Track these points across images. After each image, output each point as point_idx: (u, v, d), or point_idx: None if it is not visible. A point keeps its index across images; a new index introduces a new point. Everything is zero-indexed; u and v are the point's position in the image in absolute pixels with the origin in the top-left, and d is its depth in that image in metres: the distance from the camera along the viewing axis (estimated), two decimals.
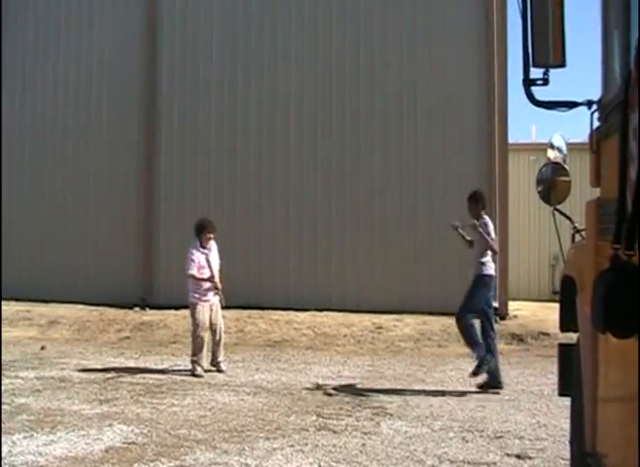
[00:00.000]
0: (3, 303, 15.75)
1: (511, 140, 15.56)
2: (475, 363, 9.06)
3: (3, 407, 7.99)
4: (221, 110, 16.15)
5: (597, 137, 3.75)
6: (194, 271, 10.24)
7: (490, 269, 9.37)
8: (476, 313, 9.32)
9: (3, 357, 11.26)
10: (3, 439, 6.67)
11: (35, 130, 17.43)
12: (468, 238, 9.52)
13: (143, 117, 16.62)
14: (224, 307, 10.72)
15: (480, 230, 9.15)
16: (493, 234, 9.40)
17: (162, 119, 16.50)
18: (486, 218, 9.38)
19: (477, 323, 9.36)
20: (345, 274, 15.01)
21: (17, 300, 16.16)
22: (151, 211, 16.39)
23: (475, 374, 9.04)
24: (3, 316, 14.80)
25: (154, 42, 16.65)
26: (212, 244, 10.48)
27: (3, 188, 17.24)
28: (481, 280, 9.29)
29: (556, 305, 4.76)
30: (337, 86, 15.59)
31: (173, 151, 16.43)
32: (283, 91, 15.81)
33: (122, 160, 16.67)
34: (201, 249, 10.37)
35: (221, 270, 10.51)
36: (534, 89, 3.95)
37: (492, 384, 9.17)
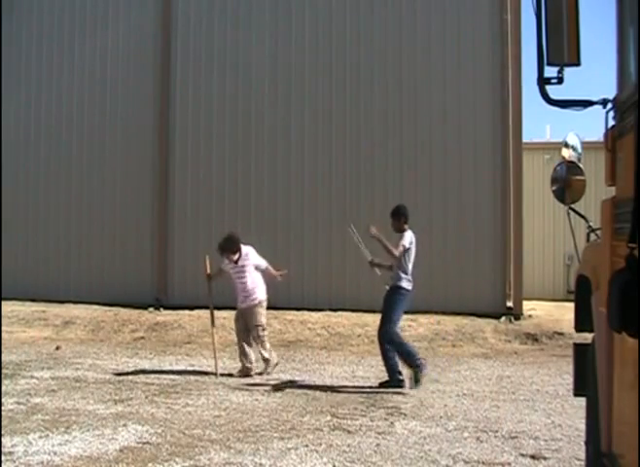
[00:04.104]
0: (19, 303, 15.89)
1: (525, 139, 15.51)
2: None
3: (19, 407, 8.05)
4: (235, 110, 16.17)
5: (612, 136, 3.74)
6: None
7: (407, 282, 9.35)
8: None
9: (19, 357, 11.36)
10: (19, 438, 6.71)
11: (50, 130, 17.51)
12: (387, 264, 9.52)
13: (157, 117, 16.66)
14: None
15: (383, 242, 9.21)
16: (402, 247, 9.23)
17: (176, 119, 16.54)
18: (405, 234, 9.33)
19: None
20: (359, 274, 14.99)
21: (32, 300, 16.27)
22: (165, 212, 16.43)
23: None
24: (19, 317, 14.92)
25: (168, 42, 16.69)
26: (245, 251, 10.42)
27: (18, 189, 17.39)
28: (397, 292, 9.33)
29: (571, 305, 4.74)
30: (350, 84, 15.57)
31: (187, 151, 16.46)
32: (297, 91, 15.81)
33: (136, 160, 16.72)
34: (227, 262, 10.43)
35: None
36: (548, 87, 3.93)
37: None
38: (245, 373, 10.14)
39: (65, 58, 17.51)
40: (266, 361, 10.30)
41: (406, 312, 13.09)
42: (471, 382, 9.84)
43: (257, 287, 10.39)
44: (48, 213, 17.37)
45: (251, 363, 10.22)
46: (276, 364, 10.39)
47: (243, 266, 10.37)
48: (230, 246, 10.40)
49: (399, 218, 9.39)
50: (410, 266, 9.31)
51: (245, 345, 10.27)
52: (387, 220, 9.60)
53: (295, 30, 15.93)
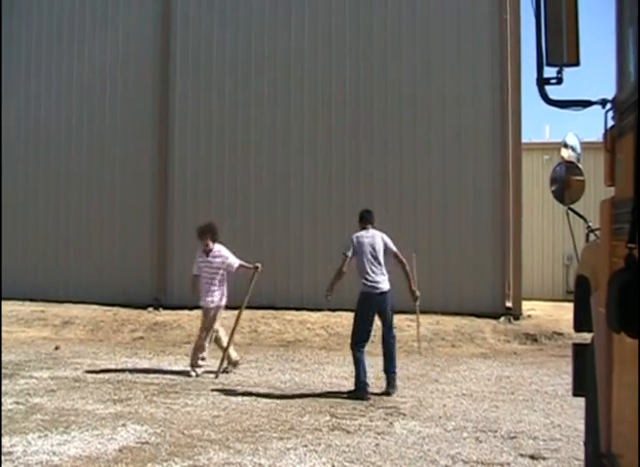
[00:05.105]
0: (18, 303, 15.89)
1: (524, 139, 15.52)
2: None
3: (18, 407, 8.05)
4: (235, 109, 16.17)
5: (612, 136, 3.74)
6: (193, 272, 10.46)
7: (362, 285, 9.14)
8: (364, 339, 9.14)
9: (18, 357, 11.36)
10: (18, 438, 6.71)
11: (49, 131, 17.51)
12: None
13: (156, 117, 16.66)
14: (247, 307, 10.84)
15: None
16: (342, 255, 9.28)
17: (176, 119, 16.54)
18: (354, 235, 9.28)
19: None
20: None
21: (31, 300, 16.27)
22: (164, 212, 16.43)
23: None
24: (19, 317, 14.92)
25: (167, 42, 16.70)
26: (215, 248, 10.39)
27: (17, 189, 17.40)
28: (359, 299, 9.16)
29: (571, 305, 4.74)
30: (350, 86, 15.57)
31: (187, 152, 16.47)
32: (296, 91, 15.81)
33: (135, 160, 16.73)
34: (200, 253, 10.40)
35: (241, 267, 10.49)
36: (548, 88, 3.93)
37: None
38: (225, 369, 10.25)
39: (65, 58, 17.51)
40: (202, 360, 10.27)
41: (403, 313, 13.15)
42: (470, 382, 9.84)
43: (223, 290, 10.39)
44: (47, 213, 17.37)
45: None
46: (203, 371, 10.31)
47: (213, 263, 10.29)
48: (210, 231, 10.40)
49: (359, 222, 9.44)
50: (367, 265, 9.08)
51: (219, 341, 10.33)
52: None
53: (294, 30, 15.93)
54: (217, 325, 10.41)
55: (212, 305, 10.29)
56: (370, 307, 9.10)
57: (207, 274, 10.32)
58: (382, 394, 8.97)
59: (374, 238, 9.20)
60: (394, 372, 9.11)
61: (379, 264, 9.14)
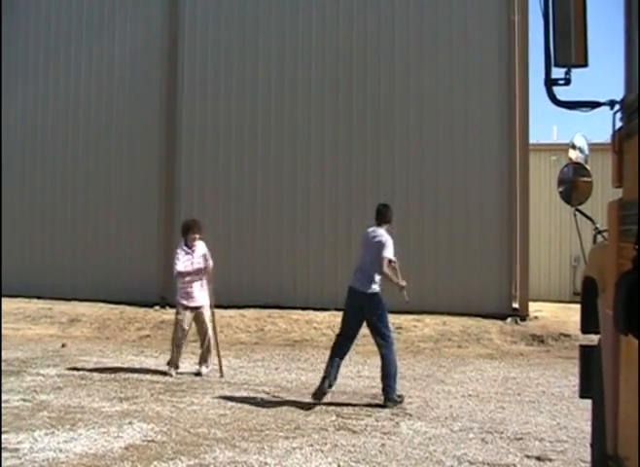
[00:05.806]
0: (25, 300, 15.94)
1: (532, 140, 15.46)
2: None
3: (25, 404, 8.07)
4: (242, 110, 16.17)
5: (620, 138, 3.73)
6: (179, 269, 10.19)
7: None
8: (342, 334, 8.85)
9: (25, 354, 11.39)
10: (25, 435, 6.73)
11: (57, 129, 17.55)
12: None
13: (164, 117, 16.67)
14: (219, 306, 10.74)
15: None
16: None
17: (183, 119, 16.54)
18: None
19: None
20: None
21: (38, 297, 16.31)
22: (171, 211, 16.43)
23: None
24: (26, 314, 14.97)
25: (174, 41, 16.71)
26: (198, 245, 10.28)
27: (26, 187, 17.46)
28: None
29: (577, 307, 4.74)
30: (357, 87, 15.55)
31: (194, 150, 16.48)
32: (304, 93, 15.80)
33: (142, 159, 16.74)
34: (186, 249, 10.27)
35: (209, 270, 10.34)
36: (556, 89, 3.93)
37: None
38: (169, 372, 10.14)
39: (72, 57, 17.54)
40: (199, 368, 10.23)
41: (410, 313, 13.16)
42: (476, 383, 9.82)
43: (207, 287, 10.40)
44: (54, 211, 17.41)
45: None
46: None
47: (201, 260, 10.19)
48: (197, 226, 10.33)
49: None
50: (359, 261, 8.87)
51: (180, 347, 10.31)
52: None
53: (302, 27, 15.90)
54: (210, 321, 10.39)
55: (208, 303, 10.31)
56: (348, 303, 8.84)
57: (195, 272, 10.21)
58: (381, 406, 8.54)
59: (373, 236, 8.78)
60: (389, 387, 8.45)
61: (366, 263, 8.70)
